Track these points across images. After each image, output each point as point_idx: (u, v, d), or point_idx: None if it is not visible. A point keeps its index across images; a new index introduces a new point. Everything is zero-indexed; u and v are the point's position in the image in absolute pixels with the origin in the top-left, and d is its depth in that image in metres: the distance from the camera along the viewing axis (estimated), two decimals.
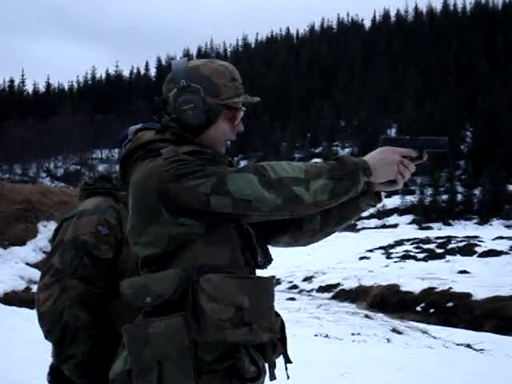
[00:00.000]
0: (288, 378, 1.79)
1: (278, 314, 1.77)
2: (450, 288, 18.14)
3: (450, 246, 25.51)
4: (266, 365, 1.73)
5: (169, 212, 1.64)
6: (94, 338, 1.95)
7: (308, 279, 22.44)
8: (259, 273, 1.79)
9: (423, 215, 50.66)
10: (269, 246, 1.87)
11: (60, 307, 1.95)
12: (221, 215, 1.64)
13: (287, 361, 1.80)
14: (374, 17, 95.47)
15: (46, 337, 1.99)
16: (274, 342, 1.74)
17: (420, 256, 24.95)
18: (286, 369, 1.79)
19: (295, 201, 1.63)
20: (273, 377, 1.72)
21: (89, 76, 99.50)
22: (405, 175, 1.81)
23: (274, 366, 1.75)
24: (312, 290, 21.14)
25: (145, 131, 1.80)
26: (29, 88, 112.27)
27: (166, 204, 1.64)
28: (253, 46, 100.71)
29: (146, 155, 1.72)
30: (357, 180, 1.70)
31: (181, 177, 1.62)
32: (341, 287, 20.81)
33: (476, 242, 25.51)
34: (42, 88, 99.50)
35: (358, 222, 48.29)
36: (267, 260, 1.80)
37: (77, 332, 1.94)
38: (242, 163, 58.22)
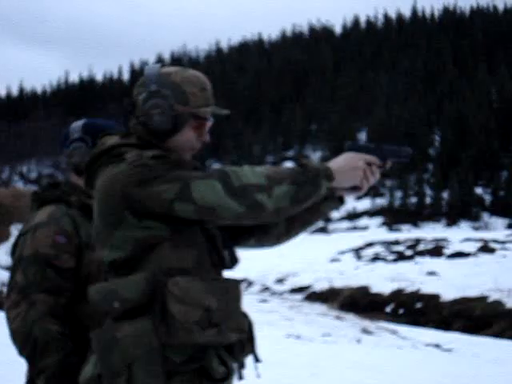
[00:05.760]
0: (259, 377, 1.80)
1: (245, 315, 1.78)
2: (419, 289, 18.40)
3: (419, 248, 25.79)
4: (235, 364, 1.74)
5: (133, 215, 1.65)
6: (65, 350, 1.94)
7: (280, 281, 22.52)
8: (228, 274, 1.80)
9: (393, 218, 51.11)
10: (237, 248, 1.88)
11: (29, 323, 1.94)
12: (185, 218, 1.66)
13: (257, 360, 1.81)
14: (345, 23, 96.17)
15: (20, 353, 1.99)
16: (243, 342, 1.75)
17: (390, 258, 25.18)
18: (257, 368, 1.80)
19: (258, 209, 1.64)
20: (241, 377, 1.74)
21: (62, 80, 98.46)
22: (370, 181, 1.83)
23: (243, 366, 1.77)
24: (284, 291, 21.23)
25: (109, 136, 1.79)
26: (1, 92, 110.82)
27: (131, 208, 1.65)
28: (225, 51, 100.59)
29: (110, 160, 1.71)
30: (318, 185, 1.70)
31: (144, 182, 1.63)
32: (312, 289, 20.94)
33: (444, 243, 25.84)
34: (15, 92, 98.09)
35: (328, 225, 48.59)
36: (234, 261, 1.81)
37: (47, 345, 1.92)
38: (215, 166, 57.92)
